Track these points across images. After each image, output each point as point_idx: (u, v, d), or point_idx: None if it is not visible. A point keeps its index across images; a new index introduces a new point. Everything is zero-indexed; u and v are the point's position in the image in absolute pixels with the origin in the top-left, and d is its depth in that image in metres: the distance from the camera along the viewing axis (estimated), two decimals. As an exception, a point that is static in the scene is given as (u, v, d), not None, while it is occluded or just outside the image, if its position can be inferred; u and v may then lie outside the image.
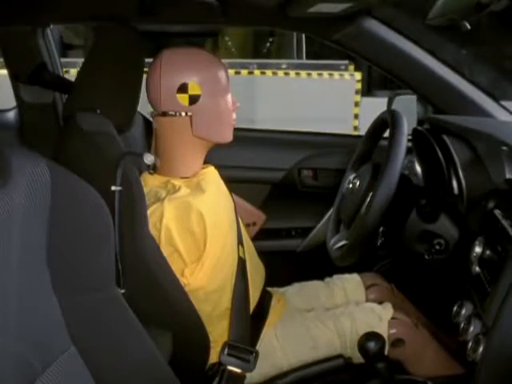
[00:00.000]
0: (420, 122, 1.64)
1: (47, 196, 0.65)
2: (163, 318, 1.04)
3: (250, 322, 1.22)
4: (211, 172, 1.27)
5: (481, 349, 0.99)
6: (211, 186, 1.20)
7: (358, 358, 1.21)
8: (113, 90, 1.14)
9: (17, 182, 0.62)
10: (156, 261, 1.04)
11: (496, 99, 1.56)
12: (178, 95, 1.15)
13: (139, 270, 1.00)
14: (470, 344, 1.02)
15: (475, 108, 1.53)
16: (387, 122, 1.32)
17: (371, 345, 1.08)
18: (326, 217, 1.71)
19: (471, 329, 1.04)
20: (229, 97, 1.22)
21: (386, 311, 1.33)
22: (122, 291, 0.92)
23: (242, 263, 1.23)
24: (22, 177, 0.63)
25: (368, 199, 1.24)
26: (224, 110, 1.21)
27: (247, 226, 1.55)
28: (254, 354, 1.13)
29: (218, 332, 1.18)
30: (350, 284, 1.50)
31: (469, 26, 1.09)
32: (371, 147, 1.47)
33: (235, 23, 1.45)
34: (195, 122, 1.17)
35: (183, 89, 1.15)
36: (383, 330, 1.27)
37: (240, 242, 1.26)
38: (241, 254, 1.24)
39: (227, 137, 1.24)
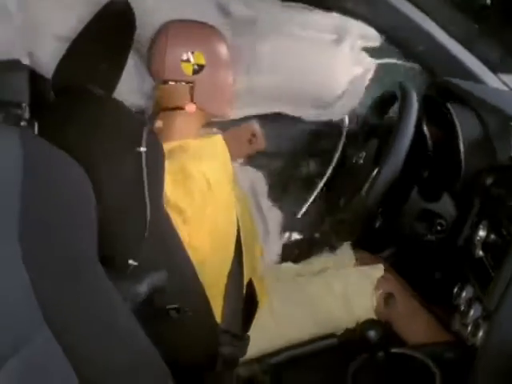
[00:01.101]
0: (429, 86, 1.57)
1: (19, 169, 0.61)
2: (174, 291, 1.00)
3: (242, 299, 1.21)
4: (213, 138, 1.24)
5: (480, 333, 0.98)
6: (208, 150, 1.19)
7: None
8: (102, 61, 1.12)
9: None
10: (170, 231, 1.01)
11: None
12: (183, 64, 1.18)
13: (154, 240, 0.95)
14: (469, 328, 1.02)
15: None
16: (395, 95, 1.28)
17: (371, 333, 1.07)
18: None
19: (471, 312, 1.03)
20: (231, 73, 1.25)
21: (377, 270, 1.35)
22: (135, 263, 0.91)
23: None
24: None
25: (371, 177, 1.21)
26: (226, 84, 1.25)
27: (249, 142, 1.43)
28: (246, 341, 1.13)
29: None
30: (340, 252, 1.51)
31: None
32: (378, 121, 1.43)
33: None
34: (196, 92, 1.19)
35: (188, 58, 1.18)
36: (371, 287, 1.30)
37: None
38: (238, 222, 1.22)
39: (226, 112, 1.28)
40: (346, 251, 1.50)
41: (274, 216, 1.57)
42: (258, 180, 1.57)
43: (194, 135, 1.23)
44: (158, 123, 1.19)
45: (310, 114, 1.53)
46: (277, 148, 1.57)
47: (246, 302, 1.24)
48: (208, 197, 1.10)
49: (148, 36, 1.25)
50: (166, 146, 1.11)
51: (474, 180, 1.19)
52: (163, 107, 1.21)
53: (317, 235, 1.58)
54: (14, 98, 1.26)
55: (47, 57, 1.24)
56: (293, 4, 1.37)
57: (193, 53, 1.18)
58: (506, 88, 1.51)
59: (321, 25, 1.39)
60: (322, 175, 1.58)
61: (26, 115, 1.29)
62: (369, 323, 1.11)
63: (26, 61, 1.28)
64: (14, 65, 1.29)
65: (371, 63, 1.48)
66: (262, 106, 1.50)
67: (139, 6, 1.19)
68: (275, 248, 1.54)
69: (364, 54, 1.45)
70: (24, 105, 1.29)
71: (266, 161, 1.60)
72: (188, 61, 1.18)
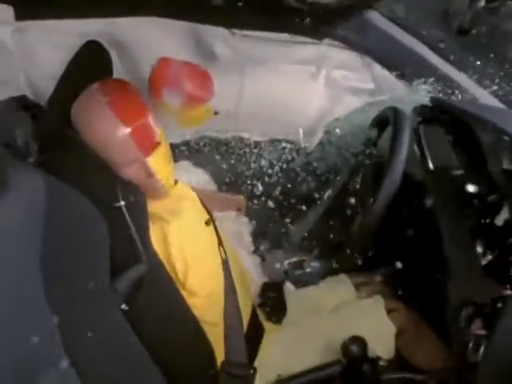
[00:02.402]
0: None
1: (41, 208, 0.64)
2: (168, 332, 1.02)
3: (243, 333, 1.19)
4: (180, 190, 1.21)
5: (482, 350, 0.98)
6: (185, 210, 1.15)
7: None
8: None
9: (13, 194, 0.61)
10: (163, 272, 1.02)
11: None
12: None
13: (148, 282, 0.96)
14: (470, 345, 1.02)
15: None
16: (389, 119, 1.31)
17: (354, 348, 1.09)
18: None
19: (472, 329, 1.03)
20: (147, 161, 1.05)
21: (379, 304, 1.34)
22: (126, 308, 0.89)
23: (224, 263, 1.23)
24: (18, 188, 0.62)
25: (369, 202, 1.24)
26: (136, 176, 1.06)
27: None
28: (252, 371, 1.13)
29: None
30: (340, 286, 1.48)
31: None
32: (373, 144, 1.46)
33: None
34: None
35: None
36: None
37: (220, 243, 1.26)
38: (222, 256, 1.24)
39: (159, 195, 1.14)
40: (344, 284, 1.49)
41: (254, 260, 1.59)
42: (242, 227, 1.62)
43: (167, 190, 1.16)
44: None
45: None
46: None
47: (249, 329, 1.23)
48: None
49: (139, 67, 1.28)
50: None
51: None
52: None
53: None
54: (20, 136, 1.31)
55: (47, 96, 1.27)
56: (275, 37, 1.37)
57: None
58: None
59: (301, 56, 1.42)
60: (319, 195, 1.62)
61: (34, 152, 1.34)
62: (350, 339, 1.12)
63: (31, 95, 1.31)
64: (18, 101, 1.34)
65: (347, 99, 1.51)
66: (245, 130, 1.58)
67: (130, 46, 1.24)
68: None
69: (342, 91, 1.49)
70: (31, 142, 1.34)
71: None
72: None
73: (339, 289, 1.47)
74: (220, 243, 1.25)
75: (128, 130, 1.00)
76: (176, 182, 1.23)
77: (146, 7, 1.19)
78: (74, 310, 0.70)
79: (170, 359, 0.98)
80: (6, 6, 1.20)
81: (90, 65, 1.16)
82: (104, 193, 0.95)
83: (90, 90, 1.03)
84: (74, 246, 0.71)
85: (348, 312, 1.36)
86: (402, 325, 1.33)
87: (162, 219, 1.08)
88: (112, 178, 0.97)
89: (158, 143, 1.07)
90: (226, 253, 1.25)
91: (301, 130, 1.57)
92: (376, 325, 1.29)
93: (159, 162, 1.07)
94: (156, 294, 0.99)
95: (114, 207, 0.93)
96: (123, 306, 0.88)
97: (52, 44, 1.26)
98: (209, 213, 1.30)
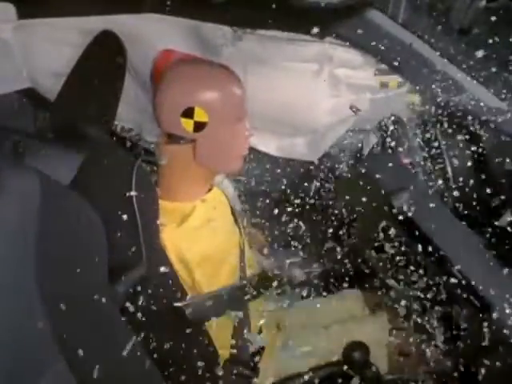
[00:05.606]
0: None
1: (36, 209, 0.64)
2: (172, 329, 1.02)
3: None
4: (209, 200, 1.17)
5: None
6: (198, 221, 1.11)
7: None
8: (98, 94, 1.12)
9: (7, 195, 0.60)
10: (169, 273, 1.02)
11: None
12: (182, 119, 1.03)
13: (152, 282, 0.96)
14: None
15: None
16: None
17: (356, 354, 1.09)
18: None
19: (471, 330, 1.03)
20: (242, 124, 1.10)
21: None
22: (130, 306, 0.90)
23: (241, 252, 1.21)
24: (13, 189, 0.61)
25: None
26: (234, 141, 1.10)
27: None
28: (254, 371, 1.12)
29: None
30: (349, 300, 1.46)
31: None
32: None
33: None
34: (198, 150, 1.06)
35: (188, 113, 1.03)
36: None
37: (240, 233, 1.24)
38: (241, 245, 1.22)
39: (233, 167, 1.15)
40: (355, 297, 1.46)
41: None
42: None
43: (199, 193, 1.15)
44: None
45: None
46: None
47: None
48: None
49: (143, 65, 1.28)
50: (166, 206, 1.08)
51: None
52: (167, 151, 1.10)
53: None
54: (21, 128, 1.31)
55: (49, 92, 1.28)
56: (277, 35, 1.36)
57: (193, 108, 1.02)
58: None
59: (303, 54, 1.41)
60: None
61: (34, 146, 1.34)
62: (352, 345, 1.11)
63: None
64: (21, 95, 1.34)
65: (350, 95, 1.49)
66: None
67: (131, 43, 1.23)
68: None
69: (344, 87, 1.47)
70: (32, 134, 1.34)
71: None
72: (188, 116, 1.03)
73: (348, 302, 1.45)
74: (243, 254, 1.23)
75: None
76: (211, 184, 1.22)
77: (146, 4, 1.20)
78: (69, 312, 0.70)
79: (171, 358, 0.98)
80: (7, 4, 1.21)
81: (104, 54, 1.17)
82: (118, 182, 0.94)
83: (188, 61, 1.12)
84: (69, 248, 0.71)
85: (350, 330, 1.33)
86: (408, 347, 1.27)
87: (188, 222, 1.08)
88: (128, 168, 0.96)
89: None
90: (245, 264, 1.23)
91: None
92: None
93: None
94: (159, 294, 0.99)
95: (125, 198, 0.92)
96: (127, 305, 0.88)
97: (53, 41, 1.26)
98: (236, 221, 1.28)
